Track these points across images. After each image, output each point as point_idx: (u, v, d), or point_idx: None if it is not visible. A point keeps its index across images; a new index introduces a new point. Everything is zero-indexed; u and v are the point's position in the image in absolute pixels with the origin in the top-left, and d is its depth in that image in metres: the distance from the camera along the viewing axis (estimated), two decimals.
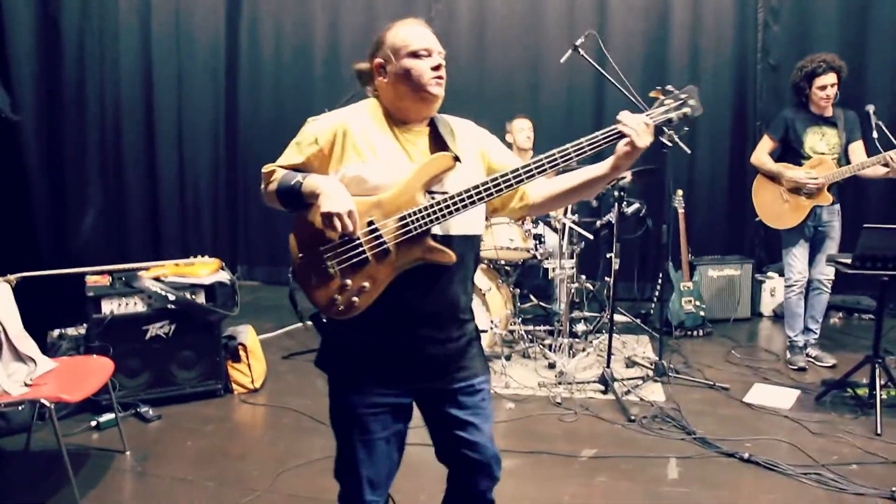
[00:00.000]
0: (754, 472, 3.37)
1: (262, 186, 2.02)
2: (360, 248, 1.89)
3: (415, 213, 1.88)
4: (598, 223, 5.14)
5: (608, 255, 4.71)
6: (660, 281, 5.70)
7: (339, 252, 1.90)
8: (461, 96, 6.61)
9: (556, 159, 1.91)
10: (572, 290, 4.86)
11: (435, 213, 1.89)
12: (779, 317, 6.14)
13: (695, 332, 5.58)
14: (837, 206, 4.69)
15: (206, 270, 4.38)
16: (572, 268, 4.75)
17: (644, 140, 1.92)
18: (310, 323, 2.05)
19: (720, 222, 6.59)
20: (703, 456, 3.51)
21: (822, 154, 4.58)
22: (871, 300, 6.14)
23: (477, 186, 1.90)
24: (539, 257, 4.91)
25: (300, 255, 1.94)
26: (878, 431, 3.74)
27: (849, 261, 3.93)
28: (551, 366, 4.71)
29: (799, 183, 4.56)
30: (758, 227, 6.49)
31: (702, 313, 5.62)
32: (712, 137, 6.44)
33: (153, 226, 6.86)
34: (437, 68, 1.96)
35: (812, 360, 4.86)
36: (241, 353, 4.44)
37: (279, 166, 2.01)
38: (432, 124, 2.06)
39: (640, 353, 5.01)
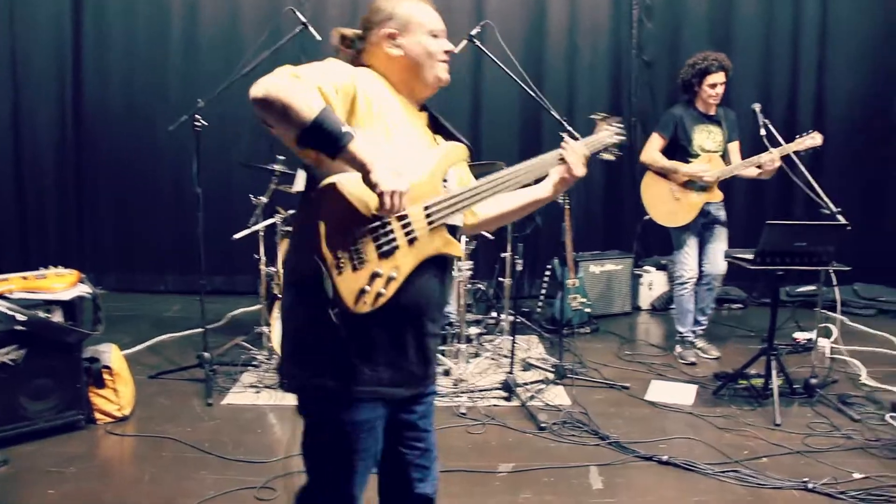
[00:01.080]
0: (675, 474, 3.28)
1: (276, 90, 1.60)
2: (393, 234, 1.73)
3: (440, 203, 1.82)
4: None
5: (503, 255, 4.53)
6: (546, 278, 5.63)
7: (377, 236, 1.72)
8: None
9: (513, 177, 1.97)
10: (466, 292, 4.63)
11: (456, 204, 1.84)
12: (657, 310, 6.25)
13: (582, 330, 5.52)
14: (722, 201, 4.75)
15: (61, 284, 3.77)
16: (470, 269, 4.52)
17: (581, 171, 2.06)
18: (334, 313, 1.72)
19: (597, 217, 6.62)
20: (623, 462, 3.38)
21: (711, 152, 4.63)
22: (739, 290, 6.36)
23: (481, 185, 1.91)
24: None
25: (334, 238, 1.66)
26: (777, 422, 3.78)
27: (749, 257, 3.94)
28: (446, 373, 4.46)
29: (696, 176, 4.57)
30: (633, 221, 6.61)
31: (588, 310, 5.58)
32: (587, 132, 6.40)
33: None
34: (448, 52, 1.95)
35: (699, 351, 4.91)
36: (106, 376, 3.88)
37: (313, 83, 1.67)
38: (425, 109, 2.01)
39: (534, 355, 4.86)
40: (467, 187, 1.90)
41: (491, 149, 6.22)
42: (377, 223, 1.70)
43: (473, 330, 4.83)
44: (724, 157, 4.67)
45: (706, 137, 4.66)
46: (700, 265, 4.80)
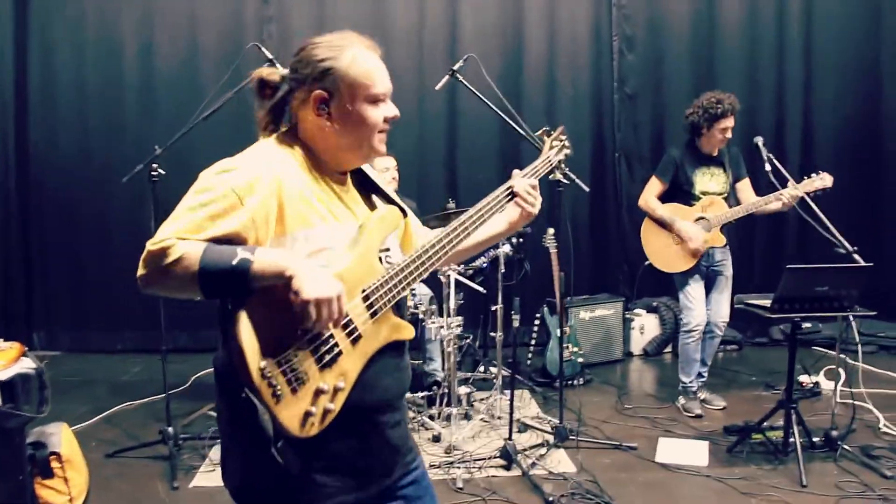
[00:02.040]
0: None
1: (154, 267, 1.41)
2: (333, 339, 1.50)
3: (380, 286, 1.59)
4: (469, 270, 4.59)
5: (493, 308, 4.18)
6: (535, 326, 5.28)
7: (313, 349, 1.48)
8: None
9: (476, 220, 1.81)
10: (456, 350, 4.25)
11: (401, 282, 1.62)
12: (649, 355, 5.93)
13: (575, 381, 5.16)
14: (727, 246, 4.48)
15: (1, 361, 3.32)
16: (459, 325, 4.14)
17: (532, 202, 1.91)
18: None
19: (584, 260, 6.29)
20: None
21: (713, 194, 4.37)
22: (733, 331, 6.06)
23: (433, 246, 1.68)
24: (422, 315, 4.24)
25: (264, 362, 1.40)
26: (804, 483, 3.46)
27: (766, 303, 3.65)
28: (435, 439, 4.06)
29: (685, 238, 4.31)
30: (621, 262, 6.32)
31: (580, 360, 5.23)
32: (571, 170, 6.12)
33: None
34: (388, 121, 1.66)
35: (703, 403, 4.59)
36: (55, 464, 3.40)
37: (182, 238, 1.42)
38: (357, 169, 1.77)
39: (529, 414, 4.48)
40: (413, 255, 1.66)
41: (469, 188, 5.89)
42: (311, 334, 1.47)
43: (463, 389, 4.44)
44: (729, 198, 4.40)
45: (709, 180, 4.40)
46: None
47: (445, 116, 6.08)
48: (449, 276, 4.15)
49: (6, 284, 6.20)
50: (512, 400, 3.86)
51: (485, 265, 4.59)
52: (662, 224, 4.44)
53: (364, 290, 1.56)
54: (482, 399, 4.57)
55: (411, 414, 4.41)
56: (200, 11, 5.88)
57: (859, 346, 4.21)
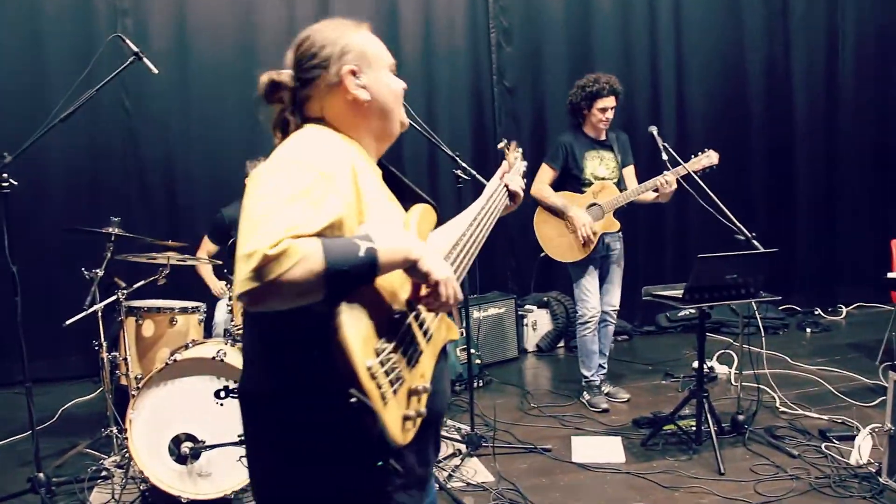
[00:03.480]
0: None
1: (273, 277, 1.16)
2: (415, 336, 1.40)
3: None
4: None
5: None
6: None
7: (404, 347, 1.35)
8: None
9: (487, 219, 1.86)
10: None
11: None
12: (543, 351, 5.84)
13: (475, 384, 4.97)
14: (620, 232, 4.42)
15: None
16: None
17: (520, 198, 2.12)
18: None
19: None
20: None
21: (604, 179, 4.29)
22: (623, 321, 6.07)
23: (465, 243, 1.69)
24: None
25: (371, 360, 1.24)
26: (722, 471, 3.43)
27: (675, 293, 3.59)
28: None
29: (577, 226, 4.21)
30: (507, 257, 6.20)
31: (477, 361, 5.04)
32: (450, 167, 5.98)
33: None
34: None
35: (608, 396, 4.52)
36: None
37: (295, 236, 1.19)
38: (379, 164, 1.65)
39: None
40: (456, 251, 1.64)
41: None
42: (401, 326, 1.35)
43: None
44: (620, 183, 4.34)
45: (598, 164, 4.32)
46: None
47: None
48: None
49: None
50: None
51: None
52: (555, 212, 4.33)
53: None
54: None
55: None
56: (45, 3, 5.23)
57: (762, 329, 4.28)
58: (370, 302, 1.29)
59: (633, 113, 6.04)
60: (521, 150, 2.28)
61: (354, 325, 1.23)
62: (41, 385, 5.14)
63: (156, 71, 3.40)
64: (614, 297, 4.48)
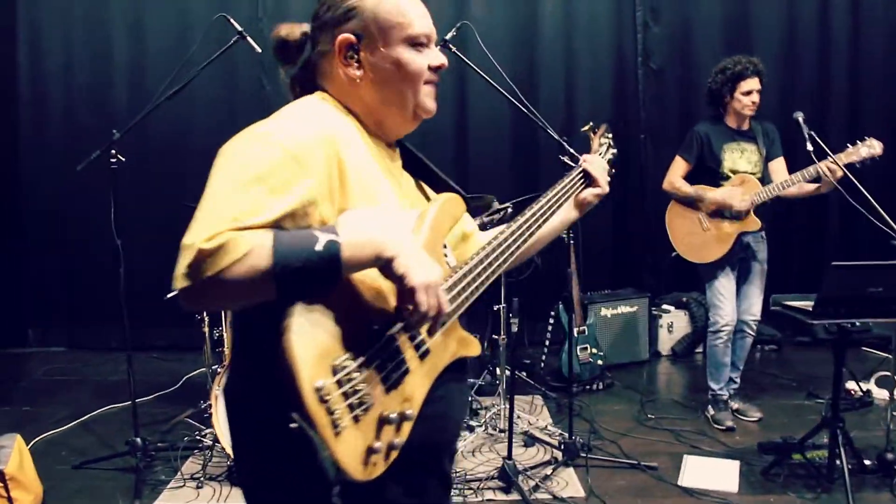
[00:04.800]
0: None
1: (209, 274, 1.04)
2: (401, 354, 1.20)
3: (449, 289, 1.27)
4: None
5: (496, 307, 3.72)
6: (550, 326, 4.80)
7: (379, 365, 1.16)
8: None
9: (547, 211, 1.62)
10: None
11: (469, 285, 1.33)
12: (679, 356, 5.40)
13: (594, 386, 4.68)
14: (763, 232, 3.95)
15: None
16: None
17: (607, 187, 1.78)
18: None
19: (605, 250, 5.78)
20: None
21: (744, 173, 3.84)
22: (773, 329, 5.50)
23: (504, 242, 1.44)
24: None
25: (322, 381, 1.06)
26: None
27: (807, 306, 3.13)
28: None
29: (724, 204, 3.79)
30: (645, 253, 5.79)
31: (599, 362, 4.74)
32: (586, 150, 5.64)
33: None
34: (437, 70, 1.38)
35: (737, 413, 4.08)
36: None
37: (240, 227, 1.06)
38: (401, 143, 1.49)
39: (538, 425, 4.01)
40: (483, 254, 1.38)
41: (479, 175, 5.40)
42: (380, 341, 1.17)
43: None
44: (764, 178, 3.88)
45: (738, 157, 3.87)
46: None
47: (453, 101, 5.54)
48: None
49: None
50: (511, 413, 3.40)
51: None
52: (690, 204, 3.94)
53: None
54: (486, 407, 4.12)
55: None
56: None
57: None
58: (343, 306, 1.13)
59: (795, 100, 5.37)
60: (610, 134, 2.02)
61: (307, 334, 1.06)
62: (174, 352, 5.47)
63: (259, 50, 3.41)
64: (754, 306, 4.02)
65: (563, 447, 3.55)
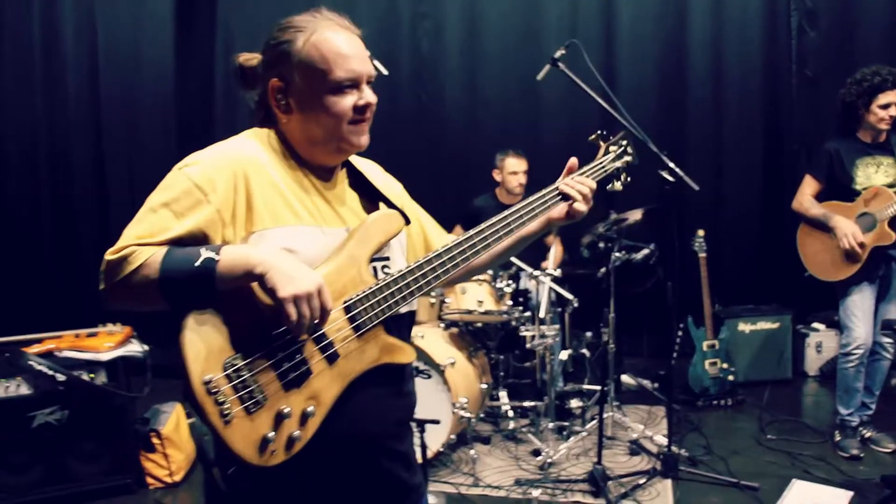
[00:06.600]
0: None
1: (116, 280, 1.28)
2: (302, 355, 1.32)
3: (366, 298, 1.40)
4: (600, 273, 4.21)
5: (611, 315, 3.81)
6: (678, 340, 4.75)
7: (274, 363, 1.30)
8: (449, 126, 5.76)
9: (504, 228, 1.59)
10: (557, 362, 3.94)
11: (393, 295, 1.42)
12: (826, 377, 5.12)
13: (722, 402, 4.59)
14: None
15: (110, 343, 3.60)
16: (556, 336, 3.82)
17: (584, 207, 1.68)
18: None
19: (751, 266, 5.57)
20: None
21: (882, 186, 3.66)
22: None
23: (440, 255, 1.48)
24: (514, 322, 3.97)
25: (210, 375, 1.24)
26: None
27: None
28: (536, 453, 3.80)
29: (841, 241, 3.64)
30: (795, 268, 5.51)
31: (730, 377, 4.63)
32: (740, 166, 5.46)
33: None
34: (363, 110, 1.44)
35: (868, 443, 3.86)
36: (154, 440, 3.65)
37: (143, 243, 1.29)
38: (347, 164, 1.59)
39: (650, 434, 4.03)
40: (413, 265, 1.46)
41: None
42: (278, 343, 1.30)
43: (575, 403, 4.11)
44: None
45: (874, 171, 3.68)
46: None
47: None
48: (542, 282, 3.83)
49: None
50: (601, 420, 3.48)
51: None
52: (818, 225, 3.79)
53: (346, 302, 1.38)
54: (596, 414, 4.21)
55: (525, 421, 4.18)
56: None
57: None
58: (242, 311, 1.29)
59: None
60: (625, 142, 1.88)
61: (199, 333, 1.24)
62: None
63: (386, 72, 3.72)
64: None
65: (662, 458, 3.58)
